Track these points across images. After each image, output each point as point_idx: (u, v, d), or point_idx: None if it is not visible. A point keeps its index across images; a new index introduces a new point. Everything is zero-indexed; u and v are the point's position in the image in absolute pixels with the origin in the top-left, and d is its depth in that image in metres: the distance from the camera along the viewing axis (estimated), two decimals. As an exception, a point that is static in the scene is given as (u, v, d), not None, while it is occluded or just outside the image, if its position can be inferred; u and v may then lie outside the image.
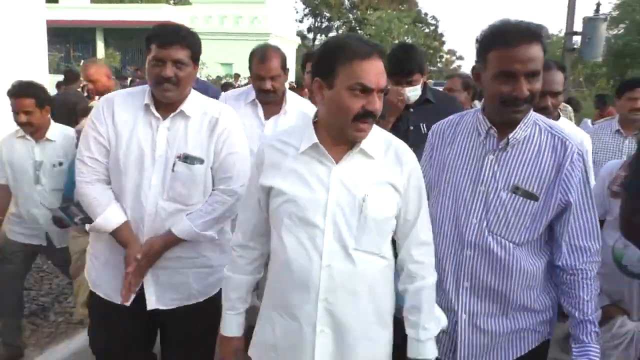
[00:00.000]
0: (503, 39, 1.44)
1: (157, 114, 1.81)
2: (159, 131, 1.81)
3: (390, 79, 2.38)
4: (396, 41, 23.57)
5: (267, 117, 2.55)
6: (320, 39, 30.94)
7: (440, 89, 3.40)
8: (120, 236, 1.80)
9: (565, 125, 2.41)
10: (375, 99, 1.34)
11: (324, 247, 1.40)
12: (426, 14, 31.35)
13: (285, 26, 22.55)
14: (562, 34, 13.40)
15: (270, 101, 2.54)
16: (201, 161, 1.82)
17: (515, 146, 1.53)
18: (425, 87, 2.50)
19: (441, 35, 31.26)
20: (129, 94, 1.90)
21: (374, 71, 1.33)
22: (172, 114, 1.81)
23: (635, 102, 2.94)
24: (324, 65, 1.36)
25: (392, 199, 1.44)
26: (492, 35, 1.49)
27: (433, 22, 31.40)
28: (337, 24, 31.29)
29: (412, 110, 2.45)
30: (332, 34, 30.95)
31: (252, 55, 2.52)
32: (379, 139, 1.45)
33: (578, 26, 10.38)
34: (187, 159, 1.80)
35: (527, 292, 1.56)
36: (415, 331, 1.46)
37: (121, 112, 1.83)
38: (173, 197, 1.81)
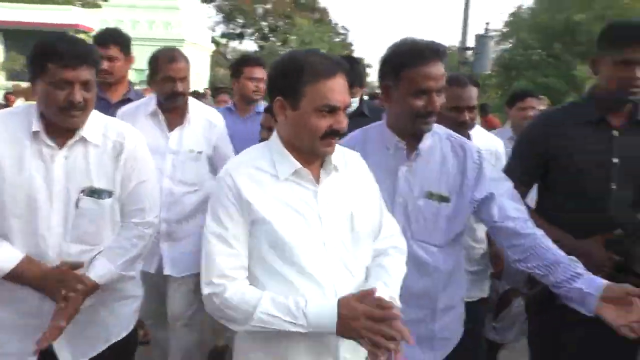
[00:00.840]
0: (418, 58, 1.56)
1: (50, 143, 1.54)
2: (55, 162, 1.55)
3: None
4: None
5: (170, 128, 2.39)
6: (233, 45, 31.08)
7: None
8: (25, 275, 1.50)
9: (480, 133, 2.59)
10: (342, 117, 1.32)
11: (333, 274, 1.35)
12: (336, 24, 32.59)
13: (199, 32, 22.58)
14: (454, 49, 14.86)
15: (178, 106, 2.39)
16: (110, 194, 1.62)
17: (423, 155, 1.66)
18: (361, 100, 2.55)
19: (350, 44, 32.60)
20: (10, 116, 1.60)
21: (340, 89, 1.31)
22: (69, 141, 1.56)
23: (525, 111, 3.28)
24: (286, 85, 1.31)
25: (369, 209, 1.45)
26: (405, 55, 1.59)
27: (343, 31, 32.72)
28: (250, 30, 31.64)
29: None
30: (246, 41, 31.32)
31: (157, 57, 2.35)
32: (337, 152, 1.41)
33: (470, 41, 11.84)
34: (93, 192, 1.58)
35: (449, 290, 1.70)
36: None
37: None
38: (79, 237, 1.58)
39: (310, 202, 1.36)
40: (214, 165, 2.52)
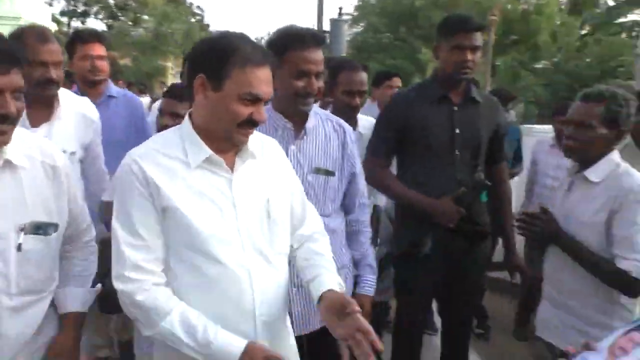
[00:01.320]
0: (300, 42, 1.71)
1: None
2: None
3: None
4: (174, 34, 23.51)
5: (35, 124, 1.98)
6: (75, 24, 28.47)
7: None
8: None
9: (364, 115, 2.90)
10: (263, 109, 1.30)
11: (249, 263, 1.33)
12: (191, 4, 31.49)
13: (37, 9, 20.36)
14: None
15: (48, 97, 2.03)
16: (55, 227, 1.38)
17: (309, 135, 1.85)
18: None
19: (207, 25, 31.78)
20: None
21: (267, 80, 1.29)
22: None
23: (392, 89, 3.54)
24: (212, 64, 1.26)
25: (287, 195, 1.45)
26: (289, 38, 1.74)
27: (199, 12, 31.75)
28: (95, 8, 29.22)
29: None
30: (90, 19, 28.82)
31: (23, 36, 1.95)
32: (254, 138, 1.39)
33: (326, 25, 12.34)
34: (37, 228, 1.32)
35: (340, 251, 1.94)
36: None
37: None
38: (26, 288, 1.32)
39: (224, 190, 1.32)
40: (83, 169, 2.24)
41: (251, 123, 1.30)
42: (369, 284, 2.08)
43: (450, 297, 2.53)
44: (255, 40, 1.37)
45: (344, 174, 1.98)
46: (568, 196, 2.04)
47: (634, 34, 12.25)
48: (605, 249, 1.89)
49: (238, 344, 1.25)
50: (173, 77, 24.68)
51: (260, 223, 1.37)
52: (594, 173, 1.95)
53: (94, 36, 2.71)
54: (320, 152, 1.89)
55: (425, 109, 2.37)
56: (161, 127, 2.05)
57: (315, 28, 12.65)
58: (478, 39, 2.35)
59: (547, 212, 2.07)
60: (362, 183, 2.12)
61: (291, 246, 1.50)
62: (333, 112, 2.30)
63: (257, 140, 1.42)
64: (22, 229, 1.29)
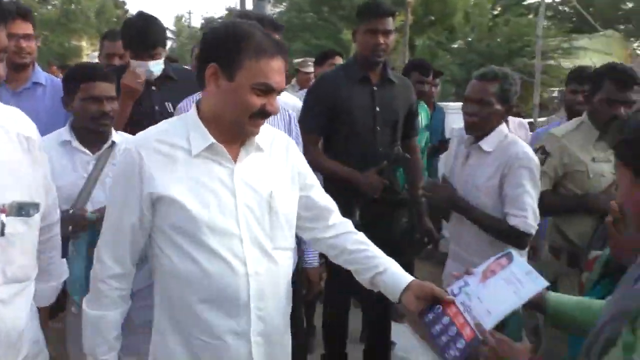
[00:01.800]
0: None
1: None
2: None
3: (131, 51, 2.34)
4: (88, 12, 22.17)
5: None
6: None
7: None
8: None
9: (285, 94, 2.93)
10: (276, 100, 1.31)
11: (246, 255, 1.33)
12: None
13: None
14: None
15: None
16: (37, 207, 1.31)
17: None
18: (165, 63, 2.50)
19: (124, 2, 30.28)
20: None
21: (280, 71, 1.28)
22: None
23: (333, 67, 3.60)
24: (225, 54, 1.26)
25: (294, 190, 1.44)
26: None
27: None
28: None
29: (154, 88, 2.44)
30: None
31: None
32: (265, 131, 1.39)
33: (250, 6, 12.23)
34: (20, 209, 1.23)
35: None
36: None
37: None
38: (12, 277, 1.25)
39: (225, 180, 1.32)
40: None
41: (263, 114, 1.30)
42: (312, 257, 2.32)
43: None
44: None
45: None
46: (465, 165, 2.33)
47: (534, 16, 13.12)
48: (500, 209, 2.19)
49: None
50: (89, 58, 23.43)
51: (261, 216, 1.36)
52: (486, 144, 2.24)
53: (17, 11, 2.33)
54: None
55: (349, 88, 2.60)
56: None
57: (238, 8, 12.53)
58: (390, 23, 2.57)
59: (445, 180, 2.35)
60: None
61: (324, 236, 1.50)
62: None
63: (268, 134, 1.42)
64: (1, 211, 1.19)
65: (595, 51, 11.62)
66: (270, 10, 12.58)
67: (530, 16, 13.78)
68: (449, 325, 1.30)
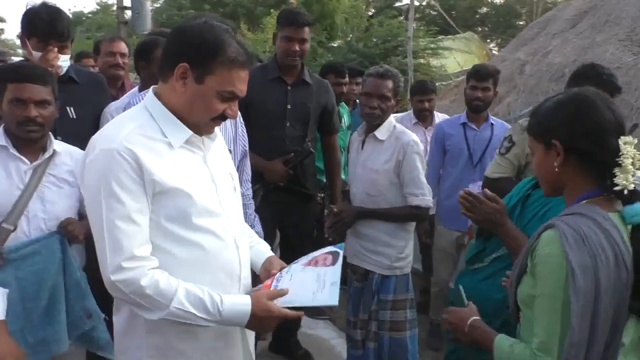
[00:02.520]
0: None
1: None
2: None
3: (36, 41, 2.21)
4: None
5: None
6: None
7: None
8: None
9: None
10: (236, 105, 1.38)
11: (233, 232, 1.46)
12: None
13: None
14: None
15: None
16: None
17: None
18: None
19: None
20: None
21: (245, 80, 1.36)
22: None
23: None
24: (200, 57, 1.29)
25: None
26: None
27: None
28: None
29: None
30: None
31: None
32: None
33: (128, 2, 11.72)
34: None
35: None
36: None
37: None
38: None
39: (201, 167, 1.40)
40: None
41: (222, 118, 1.38)
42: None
43: (287, 245, 3.12)
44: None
45: (237, 152, 2.34)
46: (361, 152, 2.68)
47: (405, 18, 14.21)
48: (394, 187, 2.55)
49: (244, 302, 1.36)
50: None
51: (231, 195, 1.50)
52: (380, 133, 2.61)
53: None
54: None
55: (264, 86, 2.84)
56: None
57: (117, 3, 12.00)
58: (305, 33, 2.82)
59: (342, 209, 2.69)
60: (248, 160, 2.47)
61: None
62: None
63: None
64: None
65: (458, 51, 12.90)
66: (150, 7, 12.16)
67: (401, 18, 14.87)
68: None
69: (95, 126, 2.29)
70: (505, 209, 1.81)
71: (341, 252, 1.63)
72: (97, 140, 1.32)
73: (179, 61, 1.30)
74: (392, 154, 2.57)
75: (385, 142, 2.60)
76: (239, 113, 2.34)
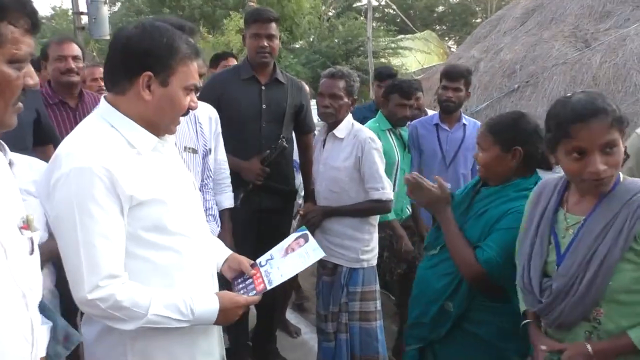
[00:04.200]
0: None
1: None
2: None
3: None
4: None
5: None
6: None
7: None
8: None
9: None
10: (195, 96, 1.41)
11: (204, 232, 1.51)
12: None
13: None
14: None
15: None
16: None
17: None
18: None
19: None
20: None
21: (198, 71, 1.39)
22: None
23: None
24: (158, 61, 1.30)
25: None
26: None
27: None
28: None
29: None
30: None
31: None
32: None
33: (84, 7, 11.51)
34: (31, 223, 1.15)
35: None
36: None
37: None
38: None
39: (168, 170, 1.42)
40: None
41: (187, 111, 1.41)
42: None
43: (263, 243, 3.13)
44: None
45: (204, 152, 2.41)
46: (322, 150, 2.80)
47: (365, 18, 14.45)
48: (354, 183, 2.67)
49: (213, 302, 1.41)
50: None
51: (195, 193, 1.53)
52: (339, 131, 2.73)
53: None
54: (189, 133, 2.30)
55: (238, 87, 2.86)
56: None
57: (72, 9, 11.76)
58: (273, 28, 2.84)
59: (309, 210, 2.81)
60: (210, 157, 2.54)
61: None
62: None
63: None
64: (24, 227, 1.08)
65: (417, 50, 13.23)
66: (107, 12, 11.98)
67: (362, 18, 15.10)
68: (248, 282, 1.65)
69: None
70: (448, 199, 2.00)
71: (307, 231, 1.82)
72: (64, 156, 1.27)
73: (139, 71, 1.30)
74: (351, 151, 2.68)
75: (344, 140, 2.72)
76: (195, 112, 2.37)
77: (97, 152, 1.27)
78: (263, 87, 2.92)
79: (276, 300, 3.29)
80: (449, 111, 3.27)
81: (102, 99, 1.40)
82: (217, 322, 1.45)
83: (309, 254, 1.72)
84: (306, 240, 1.78)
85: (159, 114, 1.36)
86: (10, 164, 1.79)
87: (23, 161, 1.92)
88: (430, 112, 3.83)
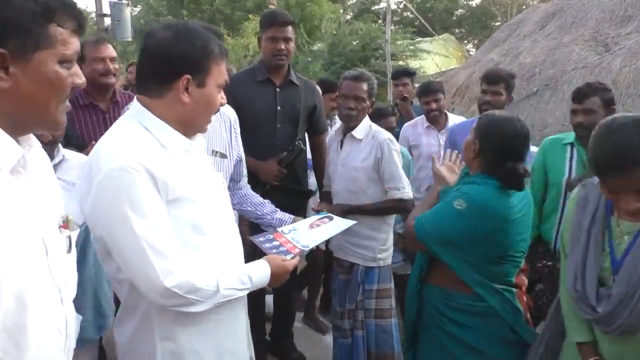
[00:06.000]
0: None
1: None
2: None
3: None
4: None
5: None
6: None
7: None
8: None
9: None
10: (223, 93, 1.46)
11: (234, 231, 1.57)
12: None
13: None
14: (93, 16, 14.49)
15: None
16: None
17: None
18: None
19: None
20: None
21: None
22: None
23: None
24: (198, 64, 1.35)
25: None
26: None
27: None
28: None
29: None
30: None
31: None
32: None
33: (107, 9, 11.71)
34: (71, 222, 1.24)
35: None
36: None
37: None
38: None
39: (199, 170, 1.45)
40: None
41: (218, 109, 1.47)
42: None
43: None
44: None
45: (233, 156, 2.39)
46: (340, 151, 2.85)
47: (383, 21, 14.47)
48: (372, 183, 2.72)
49: (264, 267, 1.51)
50: None
51: (224, 195, 1.57)
52: (358, 132, 2.78)
53: None
54: (218, 138, 2.29)
55: (253, 89, 2.93)
56: None
57: (96, 11, 11.98)
58: (289, 31, 2.90)
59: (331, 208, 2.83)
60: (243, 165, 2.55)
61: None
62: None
63: None
64: (63, 226, 1.14)
65: (436, 53, 13.19)
66: (130, 13, 12.15)
67: (380, 21, 15.11)
68: (279, 246, 1.75)
69: None
70: (442, 182, 2.18)
71: (328, 214, 2.03)
72: (99, 160, 1.30)
73: (178, 75, 1.34)
74: (370, 151, 2.73)
75: (363, 141, 2.77)
76: (235, 117, 2.41)
77: (133, 150, 1.30)
78: (278, 89, 2.97)
79: (292, 296, 3.35)
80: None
81: (135, 101, 1.44)
82: (269, 285, 1.54)
83: (339, 225, 1.88)
84: (331, 219, 1.95)
85: (195, 114, 1.40)
86: (63, 160, 1.91)
87: (74, 157, 2.08)
88: (454, 119, 3.84)
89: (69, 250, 1.11)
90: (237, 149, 2.44)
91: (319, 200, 3.32)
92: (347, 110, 2.74)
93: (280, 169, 2.91)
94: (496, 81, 3.16)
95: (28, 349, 0.96)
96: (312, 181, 3.44)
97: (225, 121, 2.35)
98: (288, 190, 2.99)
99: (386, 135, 2.75)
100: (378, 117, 3.27)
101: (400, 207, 2.74)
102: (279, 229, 1.86)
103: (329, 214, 1.97)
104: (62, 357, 1.09)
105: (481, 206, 1.88)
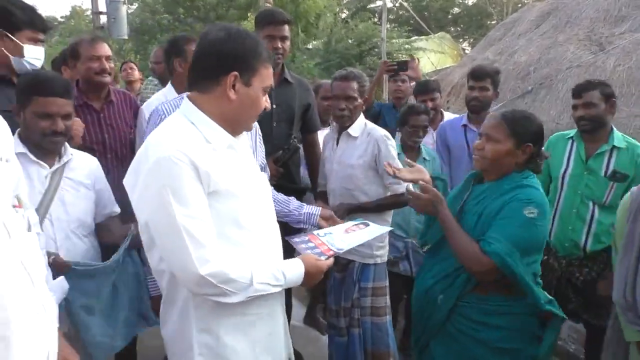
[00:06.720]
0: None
1: None
2: None
3: (30, 32, 2.30)
4: None
5: None
6: None
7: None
8: None
9: None
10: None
11: (275, 228, 1.60)
12: None
13: None
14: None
15: None
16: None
17: None
18: None
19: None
20: None
21: None
22: None
23: None
24: (246, 62, 1.40)
25: None
26: None
27: None
28: None
29: None
30: None
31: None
32: None
33: (103, 7, 11.64)
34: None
35: None
36: None
37: None
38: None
39: (242, 164, 1.50)
40: None
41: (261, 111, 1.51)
42: None
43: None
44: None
45: (257, 163, 2.48)
46: (336, 148, 2.85)
47: (379, 19, 14.47)
48: (369, 180, 2.73)
49: (299, 266, 1.51)
50: None
51: (267, 193, 1.61)
52: (353, 130, 2.79)
53: None
54: None
55: None
56: None
57: (92, 9, 11.92)
58: (286, 30, 2.88)
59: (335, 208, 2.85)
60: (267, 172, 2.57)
61: None
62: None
63: None
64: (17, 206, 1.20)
65: (431, 51, 13.22)
66: (127, 11, 12.10)
67: (376, 20, 15.13)
68: (314, 248, 1.77)
69: None
70: (439, 199, 2.06)
71: (364, 220, 2.05)
72: (147, 151, 1.37)
73: (227, 72, 1.40)
74: (366, 148, 2.74)
75: (359, 138, 2.78)
76: (257, 126, 2.37)
77: (179, 142, 1.35)
78: (273, 88, 2.95)
79: (287, 295, 3.35)
80: (476, 111, 3.28)
81: (185, 97, 1.49)
82: (302, 284, 1.54)
83: (374, 231, 1.91)
84: (367, 225, 1.98)
85: (240, 112, 1.45)
86: (71, 159, 1.93)
87: (80, 156, 2.11)
88: (445, 114, 3.87)
89: (30, 229, 1.14)
90: (262, 156, 2.44)
91: (313, 198, 3.33)
92: (339, 111, 2.75)
93: (277, 168, 2.91)
94: (483, 77, 3.21)
95: (11, 332, 0.96)
96: (304, 175, 3.43)
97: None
98: (284, 188, 2.98)
99: (382, 131, 2.76)
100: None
101: (402, 202, 2.72)
102: (315, 232, 1.87)
103: (365, 221, 1.99)
104: (47, 337, 1.10)
105: (545, 205, 1.94)
